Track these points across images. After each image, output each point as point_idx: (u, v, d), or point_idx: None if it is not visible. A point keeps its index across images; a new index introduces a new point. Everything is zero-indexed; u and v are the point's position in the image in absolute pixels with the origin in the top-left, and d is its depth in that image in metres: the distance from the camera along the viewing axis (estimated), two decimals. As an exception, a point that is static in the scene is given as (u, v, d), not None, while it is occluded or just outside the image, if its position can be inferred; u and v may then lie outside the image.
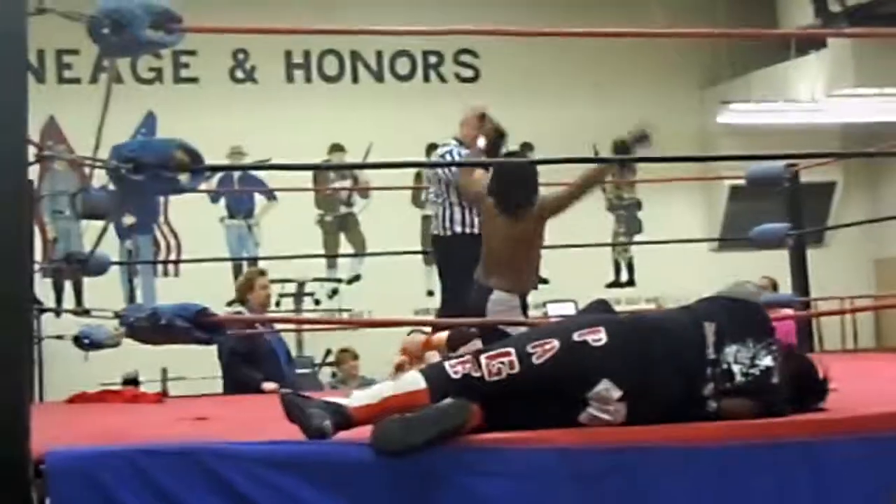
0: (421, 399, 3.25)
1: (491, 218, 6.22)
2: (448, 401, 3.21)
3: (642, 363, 3.33)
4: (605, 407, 3.28)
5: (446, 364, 3.37)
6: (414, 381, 3.31)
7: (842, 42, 11.71)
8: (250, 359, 7.57)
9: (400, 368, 4.75)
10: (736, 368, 3.35)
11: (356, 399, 3.29)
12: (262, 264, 10.59)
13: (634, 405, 3.28)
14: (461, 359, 3.37)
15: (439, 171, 7.32)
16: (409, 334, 5.87)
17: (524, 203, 6.09)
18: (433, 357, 5.38)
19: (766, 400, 3.36)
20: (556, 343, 3.33)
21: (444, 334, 5.49)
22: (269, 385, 7.34)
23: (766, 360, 3.37)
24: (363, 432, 3.15)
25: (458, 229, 7.23)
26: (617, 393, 3.28)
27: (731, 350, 3.37)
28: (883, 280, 12.23)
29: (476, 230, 6.94)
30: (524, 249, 6.12)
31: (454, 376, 3.31)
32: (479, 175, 6.60)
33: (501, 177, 6.18)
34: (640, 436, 3.23)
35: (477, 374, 3.30)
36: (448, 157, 7.34)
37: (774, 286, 10.10)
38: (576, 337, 3.34)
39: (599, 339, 3.33)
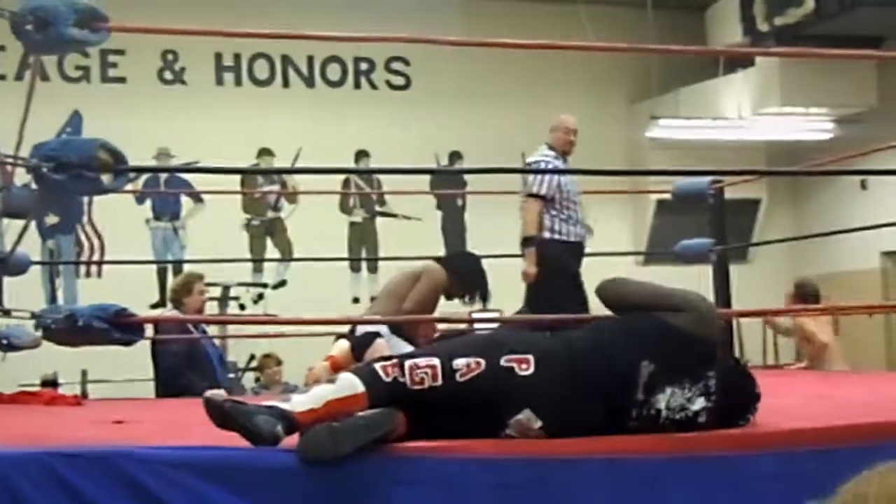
0: (360, 402, 3.24)
1: None
2: (376, 410, 3.20)
3: (567, 397, 3.31)
4: (525, 433, 3.28)
5: (377, 366, 3.35)
6: (352, 384, 3.29)
7: (769, 61, 11.86)
8: (190, 363, 7.49)
9: (317, 380, 4.68)
10: (664, 413, 3.34)
11: (299, 404, 3.25)
12: (186, 267, 10.51)
13: (554, 435, 3.29)
14: (390, 362, 3.36)
15: (529, 178, 7.69)
16: (335, 341, 5.81)
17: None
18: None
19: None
20: (482, 364, 3.30)
21: (345, 348, 5.45)
22: (212, 392, 7.25)
23: (699, 403, 3.35)
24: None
25: (546, 235, 7.57)
26: (537, 423, 3.28)
27: (663, 395, 3.34)
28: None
29: (563, 237, 7.57)
30: None
31: (386, 379, 3.29)
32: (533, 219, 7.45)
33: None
34: (563, 448, 3.23)
35: (402, 380, 3.29)
36: (543, 166, 7.67)
37: None
38: (503, 362, 3.31)
39: (527, 370, 3.30)
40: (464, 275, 6.59)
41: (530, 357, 3.32)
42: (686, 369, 3.38)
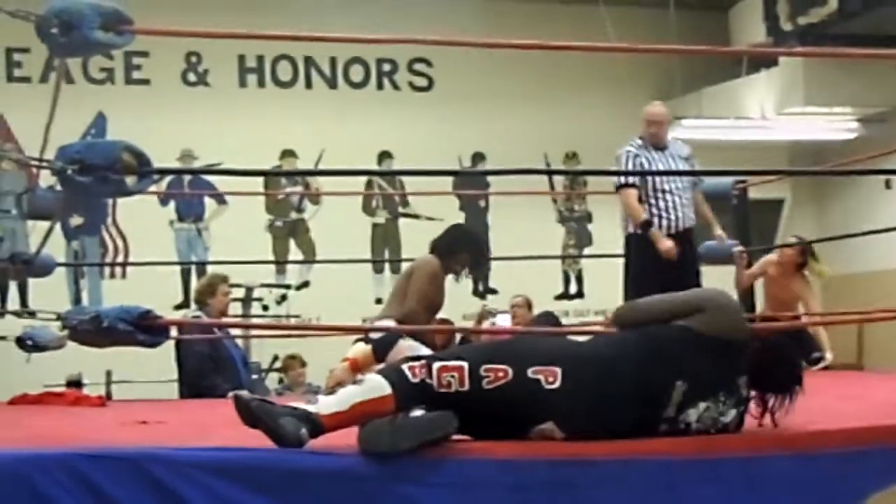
0: (388, 404, 3.24)
1: None
2: (438, 413, 3.20)
3: (593, 411, 3.30)
4: (547, 440, 3.30)
5: (405, 367, 3.36)
6: (379, 386, 3.30)
7: (793, 61, 11.81)
8: (214, 365, 7.52)
9: (339, 383, 4.67)
10: (695, 426, 3.35)
11: (325, 406, 3.27)
12: (210, 269, 10.55)
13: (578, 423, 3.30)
14: (418, 363, 3.36)
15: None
16: (354, 343, 5.81)
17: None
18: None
19: None
20: (509, 373, 3.30)
21: (366, 350, 5.45)
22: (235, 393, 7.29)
23: (730, 415, 3.36)
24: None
25: (630, 229, 7.48)
26: (560, 434, 3.28)
27: (695, 411, 3.34)
28: (830, 297, 12.29)
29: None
30: None
31: (413, 380, 3.30)
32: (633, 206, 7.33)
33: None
34: (583, 450, 3.23)
35: (429, 382, 3.30)
36: (623, 157, 7.43)
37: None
38: (530, 373, 3.30)
39: (553, 383, 3.29)
40: (453, 250, 6.50)
41: (557, 370, 3.30)
42: (721, 381, 3.37)
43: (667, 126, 7.66)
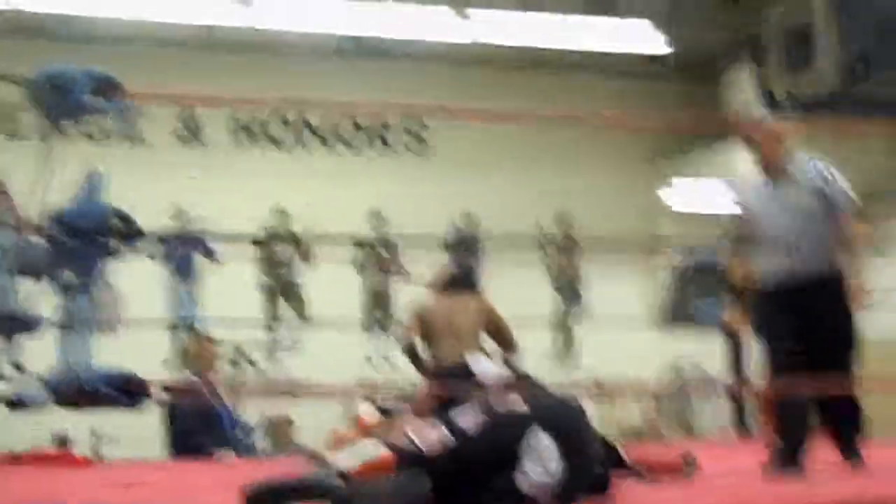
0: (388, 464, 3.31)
1: None
2: (407, 473, 3.20)
3: (566, 415, 3.51)
4: (541, 458, 3.33)
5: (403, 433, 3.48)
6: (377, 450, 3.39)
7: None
8: (202, 424, 7.48)
9: (339, 443, 4.64)
10: None
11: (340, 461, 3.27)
12: (200, 326, 10.52)
13: (569, 458, 3.35)
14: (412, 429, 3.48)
15: None
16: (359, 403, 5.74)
17: None
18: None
19: None
20: (479, 411, 3.45)
21: (373, 414, 5.40)
22: (222, 453, 7.28)
23: None
24: None
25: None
26: (548, 439, 3.34)
27: None
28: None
29: (764, 285, 5.51)
30: None
31: (409, 447, 3.39)
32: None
33: None
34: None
35: (420, 446, 3.33)
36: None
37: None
38: (497, 408, 3.47)
39: (519, 402, 3.49)
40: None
41: (517, 395, 3.54)
42: None
43: (774, 146, 5.56)
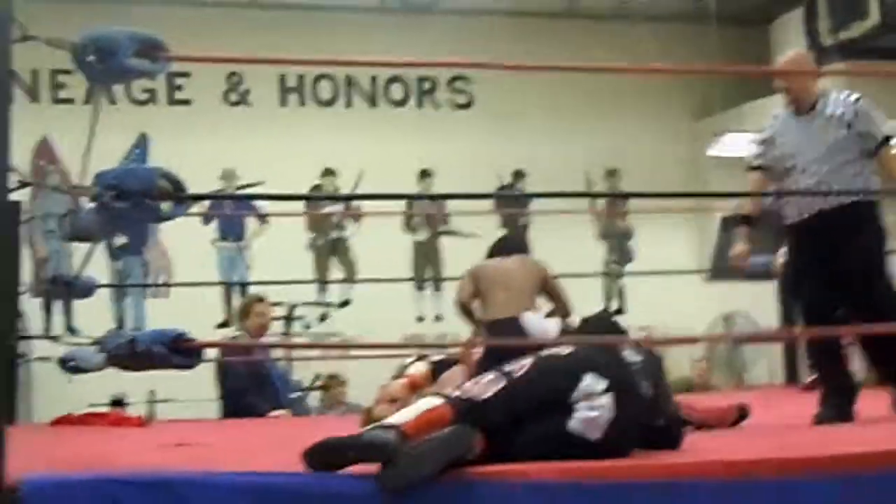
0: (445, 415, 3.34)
1: None
2: (450, 428, 3.21)
3: (615, 358, 3.56)
4: (593, 403, 3.36)
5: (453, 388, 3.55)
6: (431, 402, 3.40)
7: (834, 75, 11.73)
8: (254, 384, 7.56)
9: (393, 400, 4.68)
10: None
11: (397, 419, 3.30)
12: (252, 287, 10.61)
13: (619, 399, 3.37)
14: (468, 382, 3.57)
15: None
16: (412, 361, 5.77)
17: None
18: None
19: None
20: (529, 359, 3.51)
21: (423, 368, 5.43)
22: (276, 413, 7.37)
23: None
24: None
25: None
26: (602, 384, 3.37)
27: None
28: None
29: (784, 219, 5.63)
30: None
31: (463, 397, 3.41)
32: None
33: None
34: (616, 473, 3.22)
35: (469, 397, 3.37)
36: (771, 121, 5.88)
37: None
38: (543, 353, 3.58)
39: (567, 349, 3.59)
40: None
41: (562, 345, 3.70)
42: None
43: (804, 82, 5.65)
